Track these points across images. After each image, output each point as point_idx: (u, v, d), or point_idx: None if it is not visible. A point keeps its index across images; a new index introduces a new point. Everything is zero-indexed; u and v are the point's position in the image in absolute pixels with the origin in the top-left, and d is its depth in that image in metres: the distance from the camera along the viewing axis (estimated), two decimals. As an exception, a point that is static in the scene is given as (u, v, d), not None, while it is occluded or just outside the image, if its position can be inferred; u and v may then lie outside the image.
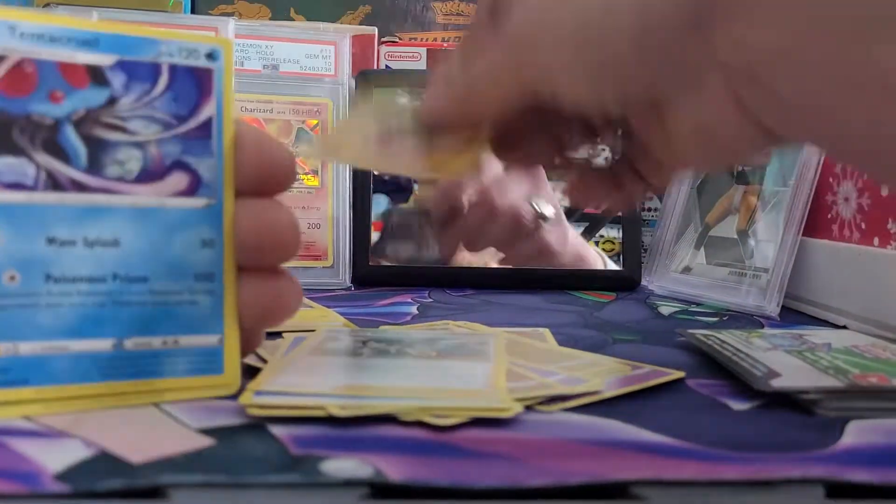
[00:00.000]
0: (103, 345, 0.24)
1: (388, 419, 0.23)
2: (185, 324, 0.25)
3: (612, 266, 0.58)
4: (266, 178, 0.25)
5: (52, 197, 0.23)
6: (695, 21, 0.21)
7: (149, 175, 0.24)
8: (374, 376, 0.27)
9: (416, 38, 0.77)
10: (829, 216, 0.48)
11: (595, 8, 0.22)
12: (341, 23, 0.77)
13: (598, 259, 0.59)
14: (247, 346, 0.26)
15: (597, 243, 0.59)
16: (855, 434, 0.23)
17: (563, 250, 0.57)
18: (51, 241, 0.23)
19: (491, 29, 0.25)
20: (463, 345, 0.31)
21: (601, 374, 0.28)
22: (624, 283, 0.57)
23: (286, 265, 0.26)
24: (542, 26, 0.23)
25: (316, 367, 0.28)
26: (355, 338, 0.33)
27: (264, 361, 0.28)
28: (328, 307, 0.43)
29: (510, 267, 0.57)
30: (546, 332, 0.36)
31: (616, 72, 0.22)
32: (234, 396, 0.24)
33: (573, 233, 0.58)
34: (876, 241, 0.43)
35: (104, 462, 0.20)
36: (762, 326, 0.42)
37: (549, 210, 0.56)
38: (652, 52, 0.22)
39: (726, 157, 0.26)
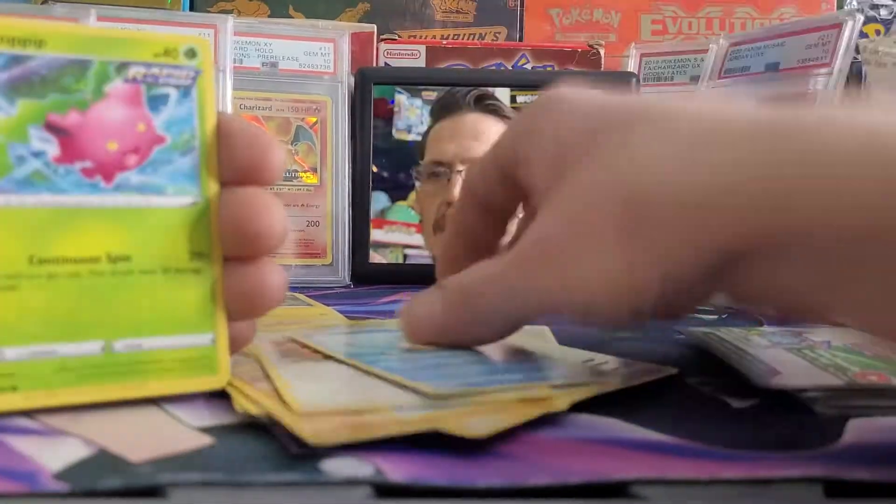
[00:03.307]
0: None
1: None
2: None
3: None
4: (252, 168, 0.25)
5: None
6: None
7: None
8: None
9: (415, 36, 0.77)
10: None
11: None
12: (340, 20, 0.77)
13: None
14: (237, 341, 0.26)
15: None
16: (855, 432, 0.23)
17: None
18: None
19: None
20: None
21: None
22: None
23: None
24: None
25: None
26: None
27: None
28: (327, 305, 0.43)
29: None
30: (546, 329, 0.36)
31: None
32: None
33: None
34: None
35: (103, 461, 0.20)
36: (762, 324, 0.42)
37: None
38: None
39: None
